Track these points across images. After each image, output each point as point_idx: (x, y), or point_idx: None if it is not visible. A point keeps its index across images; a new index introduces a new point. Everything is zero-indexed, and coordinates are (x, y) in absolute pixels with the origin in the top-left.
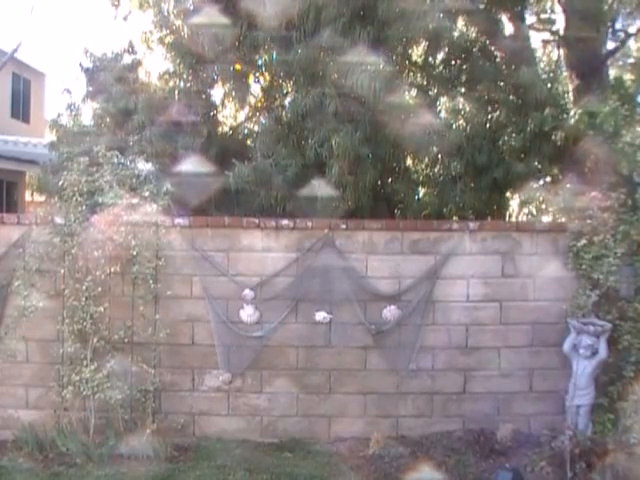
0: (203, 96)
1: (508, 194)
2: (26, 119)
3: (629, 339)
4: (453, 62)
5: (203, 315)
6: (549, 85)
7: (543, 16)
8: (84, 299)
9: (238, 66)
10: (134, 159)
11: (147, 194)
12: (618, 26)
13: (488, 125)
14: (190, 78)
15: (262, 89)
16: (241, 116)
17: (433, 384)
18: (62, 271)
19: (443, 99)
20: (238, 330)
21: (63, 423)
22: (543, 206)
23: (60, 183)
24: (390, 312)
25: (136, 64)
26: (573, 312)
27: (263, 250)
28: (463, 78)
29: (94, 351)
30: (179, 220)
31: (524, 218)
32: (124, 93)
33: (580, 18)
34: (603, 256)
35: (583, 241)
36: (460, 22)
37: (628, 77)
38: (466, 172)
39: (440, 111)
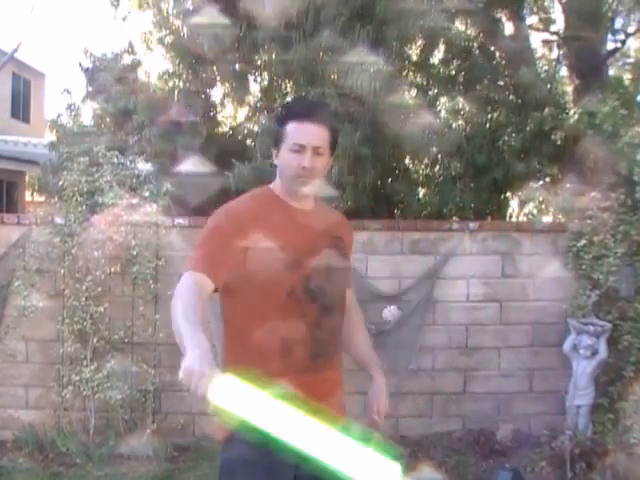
0: (203, 96)
1: (508, 194)
2: (26, 119)
3: (629, 339)
4: (452, 62)
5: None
6: (549, 85)
7: (543, 16)
8: (84, 299)
9: (238, 66)
10: (134, 159)
11: (147, 194)
12: (618, 26)
13: (488, 125)
14: (190, 78)
15: (262, 89)
16: (241, 116)
17: (433, 384)
18: (62, 271)
19: (443, 99)
20: None
21: (63, 423)
22: (543, 206)
23: (60, 183)
24: (390, 312)
25: (136, 64)
26: (573, 312)
27: None
28: (462, 78)
29: (94, 351)
30: (179, 220)
31: (524, 218)
32: (124, 93)
33: (580, 18)
34: (603, 256)
35: (583, 241)
36: (459, 22)
37: (628, 77)
38: (466, 172)
39: (440, 111)
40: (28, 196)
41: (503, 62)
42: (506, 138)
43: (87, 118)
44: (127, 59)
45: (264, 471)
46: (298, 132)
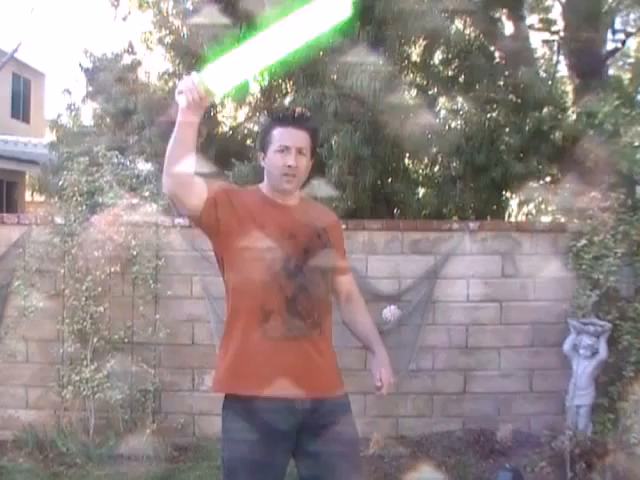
0: None
1: (507, 194)
2: (26, 119)
3: (629, 339)
4: (452, 62)
5: (203, 315)
6: (549, 84)
7: (543, 16)
8: (84, 299)
9: None
10: (134, 159)
11: (147, 194)
12: (618, 26)
13: (487, 125)
14: None
15: (262, 89)
16: (241, 116)
17: (433, 384)
18: (62, 271)
19: (442, 99)
20: None
21: (63, 423)
22: (543, 206)
23: (60, 183)
24: (390, 312)
25: (136, 64)
26: (573, 312)
27: None
28: (462, 78)
29: (94, 351)
30: (179, 220)
31: (524, 218)
32: (124, 93)
33: (580, 18)
34: (603, 256)
35: (583, 241)
36: (459, 22)
37: (628, 76)
38: (465, 172)
39: (439, 111)
40: (28, 196)
41: (503, 62)
42: (505, 138)
43: (87, 118)
44: (127, 59)
45: (264, 437)
46: (283, 135)
